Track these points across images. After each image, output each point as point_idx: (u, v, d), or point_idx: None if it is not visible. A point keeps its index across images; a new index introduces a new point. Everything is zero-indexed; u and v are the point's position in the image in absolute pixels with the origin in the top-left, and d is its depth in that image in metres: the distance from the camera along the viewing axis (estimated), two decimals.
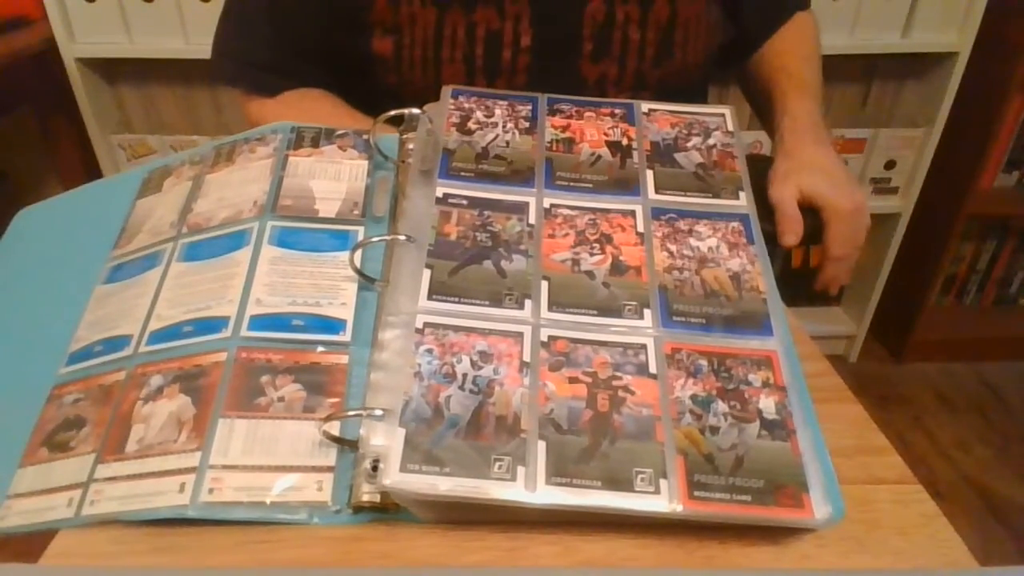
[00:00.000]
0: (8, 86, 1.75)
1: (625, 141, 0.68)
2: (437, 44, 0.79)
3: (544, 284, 0.57)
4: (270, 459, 0.51)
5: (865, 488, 0.52)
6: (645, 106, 0.72)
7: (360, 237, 0.63)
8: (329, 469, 0.51)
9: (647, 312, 0.56)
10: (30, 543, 0.51)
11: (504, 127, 0.68)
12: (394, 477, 0.47)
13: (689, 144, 0.68)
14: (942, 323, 2.30)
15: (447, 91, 0.72)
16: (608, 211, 0.63)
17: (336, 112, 0.85)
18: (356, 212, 0.64)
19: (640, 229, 0.61)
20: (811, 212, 0.70)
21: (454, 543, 0.50)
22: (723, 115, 0.71)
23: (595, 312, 0.56)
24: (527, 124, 0.69)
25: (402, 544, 0.50)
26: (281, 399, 0.54)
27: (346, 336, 0.57)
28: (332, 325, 0.57)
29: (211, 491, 0.49)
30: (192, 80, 1.96)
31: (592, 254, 0.59)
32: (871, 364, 2.31)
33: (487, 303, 0.56)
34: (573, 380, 0.52)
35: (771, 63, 0.90)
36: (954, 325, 2.32)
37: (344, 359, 0.56)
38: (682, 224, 0.62)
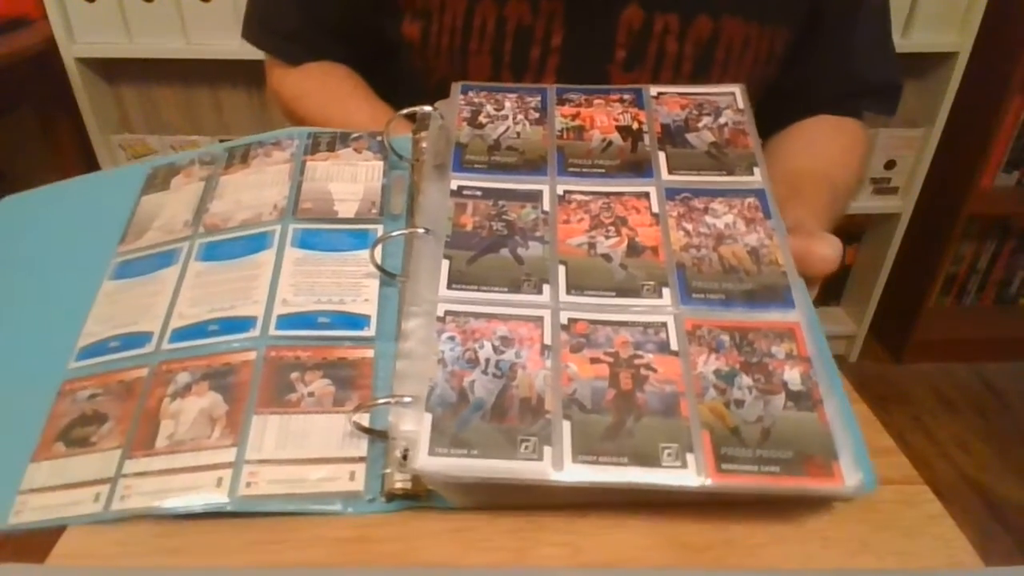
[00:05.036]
0: (8, 86, 1.76)
1: (636, 125, 0.68)
2: (465, 34, 0.79)
3: (561, 268, 0.58)
4: (303, 452, 0.52)
5: None
6: (654, 90, 0.71)
7: (379, 235, 0.63)
8: (361, 459, 0.52)
9: (666, 291, 0.56)
10: (30, 543, 0.51)
11: (514, 119, 0.69)
12: (423, 461, 0.48)
13: (700, 124, 0.68)
14: (942, 323, 2.31)
15: (456, 87, 0.72)
16: (622, 194, 0.63)
17: (355, 93, 0.86)
18: (374, 211, 0.65)
19: (655, 210, 0.62)
20: None
21: (460, 544, 0.50)
22: (733, 93, 0.71)
23: (614, 293, 0.56)
24: (537, 115, 0.69)
25: (408, 545, 0.49)
26: (311, 394, 0.54)
27: (371, 331, 0.58)
28: (357, 321, 0.58)
29: (248, 485, 0.50)
30: (192, 80, 1.98)
31: (608, 237, 0.60)
32: (871, 364, 2.32)
33: (506, 289, 0.56)
34: (595, 360, 0.52)
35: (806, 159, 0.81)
36: (954, 325, 2.34)
37: (370, 353, 0.57)
38: (697, 203, 0.62)
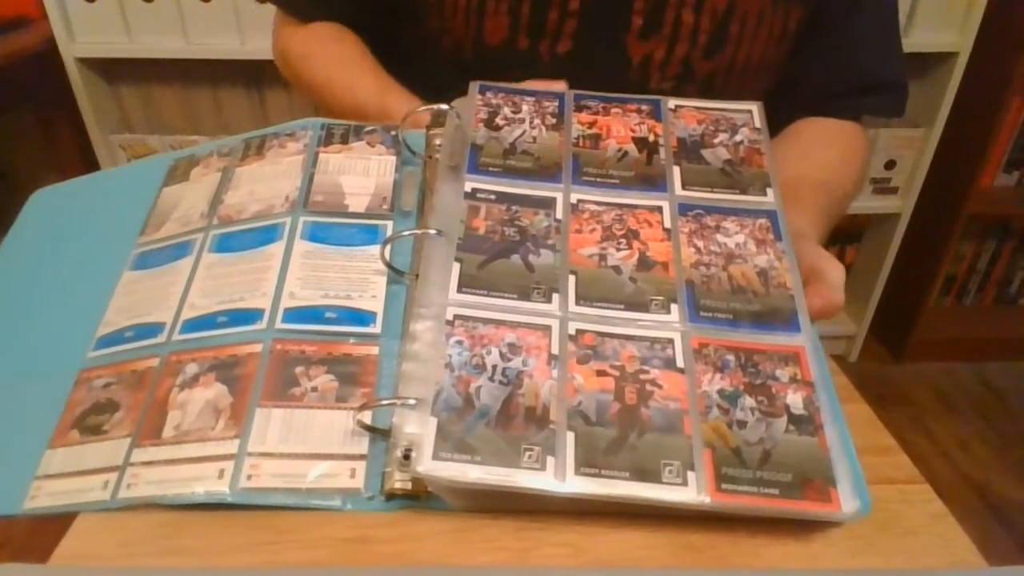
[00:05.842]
0: (8, 86, 1.75)
1: (652, 137, 0.68)
2: None
3: (571, 278, 0.58)
4: (305, 447, 0.52)
5: (873, 488, 0.52)
6: (672, 102, 0.71)
7: (389, 231, 0.64)
8: (361, 457, 0.52)
9: (674, 307, 0.57)
10: (31, 544, 0.52)
11: (531, 123, 0.69)
12: (427, 464, 0.48)
13: (716, 140, 0.68)
14: (942, 323, 2.31)
15: (474, 87, 0.72)
16: (635, 207, 0.63)
17: (361, 62, 0.85)
18: (385, 207, 0.65)
19: (667, 225, 0.62)
20: None
21: (463, 544, 0.50)
22: (750, 111, 0.71)
23: (622, 306, 0.57)
24: (554, 120, 0.69)
25: (410, 545, 0.50)
26: (315, 389, 0.55)
27: (376, 328, 0.58)
28: (363, 317, 0.59)
29: (249, 477, 0.51)
30: (192, 80, 1.97)
31: (619, 249, 0.60)
32: (871, 364, 2.32)
33: (515, 297, 0.57)
34: (601, 373, 0.53)
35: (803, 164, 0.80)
36: (954, 325, 2.34)
37: (375, 350, 0.57)
38: (709, 220, 0.62)
